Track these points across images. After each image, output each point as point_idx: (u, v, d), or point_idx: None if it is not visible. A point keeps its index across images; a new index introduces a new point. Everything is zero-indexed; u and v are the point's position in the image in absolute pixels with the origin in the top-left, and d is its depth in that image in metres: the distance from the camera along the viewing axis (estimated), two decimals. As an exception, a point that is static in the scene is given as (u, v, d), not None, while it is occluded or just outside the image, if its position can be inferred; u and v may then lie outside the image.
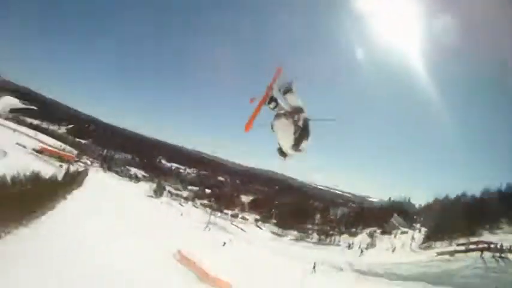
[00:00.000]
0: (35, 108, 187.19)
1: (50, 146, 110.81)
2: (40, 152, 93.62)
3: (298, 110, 7.48)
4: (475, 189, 74.98)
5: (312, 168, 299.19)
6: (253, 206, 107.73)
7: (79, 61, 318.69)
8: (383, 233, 66.64)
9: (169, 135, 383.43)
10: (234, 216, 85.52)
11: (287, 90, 7.13)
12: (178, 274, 30.87)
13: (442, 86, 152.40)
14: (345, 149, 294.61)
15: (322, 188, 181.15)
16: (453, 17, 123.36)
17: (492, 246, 41.51)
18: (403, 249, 50.42)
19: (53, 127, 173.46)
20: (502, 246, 40.26)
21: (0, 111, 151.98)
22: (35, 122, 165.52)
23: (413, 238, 53.22)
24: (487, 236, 50.22)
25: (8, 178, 31.25)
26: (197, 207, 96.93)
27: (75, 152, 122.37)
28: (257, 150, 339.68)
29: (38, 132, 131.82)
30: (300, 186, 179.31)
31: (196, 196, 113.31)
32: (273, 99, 7.27)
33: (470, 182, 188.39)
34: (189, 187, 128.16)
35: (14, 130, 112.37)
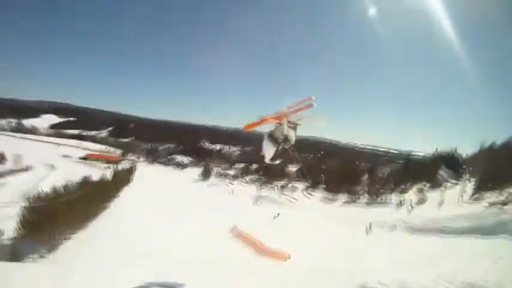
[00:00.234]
0: (74, 119, 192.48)
1: (94, 151, 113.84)
2: (86, 158, 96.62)
3: (286, 140, 8.90)
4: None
5: (354, 130, 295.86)
6: (301, 174, 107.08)
7: (102, 67, 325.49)
8: (432, 187, 65.05)
9: (208, 117, 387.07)
10: (283, 187, 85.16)
11: (294, 127, 8.24)
12: (236, 250, 31.53)
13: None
14: (386, 106, 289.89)
15: (366, 148, 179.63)
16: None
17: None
18: (453, 202, 49.38)
19: (94, 133, 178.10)
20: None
21: (41, 129, 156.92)
22: (76, 132, 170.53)
23: (463, 190, 51.93)
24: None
25: (60, 188, 32.68)
26: (246, 184, 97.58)
27: (119, 151, 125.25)
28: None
29: (80, 141, 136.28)
30: (344, 148, 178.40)
31: (244, 173, 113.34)
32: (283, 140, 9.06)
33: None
34: (235, 165, 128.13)
35: (58, 144, 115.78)
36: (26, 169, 64.98)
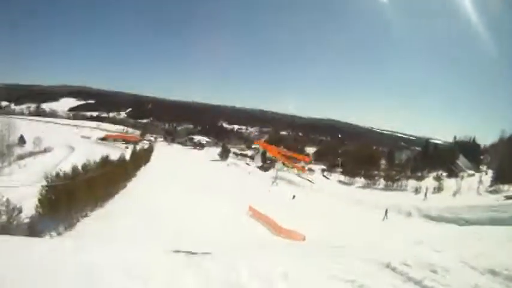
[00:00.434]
0: (92, 101, 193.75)
1: (113, 132, 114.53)
2: (105, 139, 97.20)
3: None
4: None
5: (373, 114, 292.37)
6: (319, 156, 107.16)
7: (121, 49, 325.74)
8: (449, 176, 64.47)
9: (226, 98, 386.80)
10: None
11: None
12: (253, 229, 31.62)
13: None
14: (405, 92, 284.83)
15: (384, 132, 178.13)
16: None
17: None
18: (470, 192, 48.67)
19: (113, 114, 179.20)
20: None
21: (60, 113, 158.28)
22: (95, 114, 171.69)
23: (480, 181, 51.09)
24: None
25: (79, 168, 32.89)
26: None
27: (138, 132, 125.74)
28: (316, 101, 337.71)
29: (99, 123, 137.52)
30: (362, 132, 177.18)
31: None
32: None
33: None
34: (253, 145, 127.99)
35: (77, 126, 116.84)
36: (46, 151, 66.16)
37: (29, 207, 25.16)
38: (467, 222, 32.35)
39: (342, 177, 74.14)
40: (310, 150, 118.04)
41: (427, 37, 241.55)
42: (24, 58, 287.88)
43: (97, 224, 27.36)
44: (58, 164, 46.58)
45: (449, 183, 54.73)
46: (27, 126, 78.50)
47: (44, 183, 28.44)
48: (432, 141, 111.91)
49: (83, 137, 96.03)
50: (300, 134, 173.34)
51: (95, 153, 43.92)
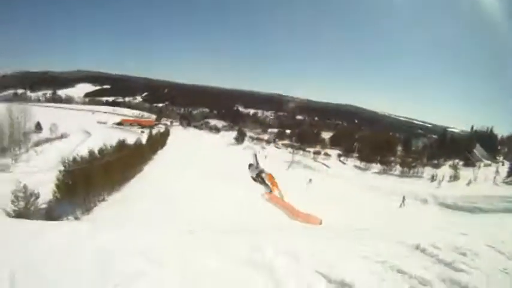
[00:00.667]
0: (108, 87, 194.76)
1: (129, 116, 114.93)
2: (121, 123, 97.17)
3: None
4: None
5: (390, 100, 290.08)
6: (335, 142, 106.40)
7: (135, 33, 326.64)
8: (466, 165, 63.79)
9: (242, 82, 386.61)
10: (317, 153, 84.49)
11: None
12: (269, 213, 31.52)
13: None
14: (423, 79, 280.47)
15: (401, 119, 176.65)
16: None
17: None
18: (486, 182, 48.05)
19: (129, 99, 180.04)
20: None
21: (76, 98, 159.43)
22: (111, 99, 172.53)
23: (497, 171, 50.39)
24: None
25: (95, 152, 33.03)
26: (279, 148, 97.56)
27: (153, 116, 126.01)
28: (332, 85, 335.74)
29: (115, 107, 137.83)
30: (379, 118, 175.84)
31: (277, 137, 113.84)
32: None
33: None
34: (269, 129, 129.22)
35: (92, 112, 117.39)
36: (62, 137, 66.40)
37: (46, 192, 25.24)
38: (483, 212, 32.05)
39: (358, 163, 73.69)
40: (326, 135, 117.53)
41: (447, 22, 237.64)
42: (35, 44, 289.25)
43: (114, 208, 27.45)
44: (74, 149, 46.77)
45: (466, 172, 54.18)
46: (43, 113, 78.91)
47: (61, 168, 28.67)
48: (449, 129, 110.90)
49: (99, 122, 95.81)
50: (316, 118, 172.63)
51: (111, 138, 44.01)
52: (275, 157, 76.04)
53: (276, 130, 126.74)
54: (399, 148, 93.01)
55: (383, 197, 43.28)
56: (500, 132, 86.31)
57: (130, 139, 45.97)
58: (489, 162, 65.98)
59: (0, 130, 49.57)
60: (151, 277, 5.63)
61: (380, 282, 5.37)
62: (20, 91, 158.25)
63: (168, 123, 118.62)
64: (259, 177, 20.48)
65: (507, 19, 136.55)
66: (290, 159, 70.39)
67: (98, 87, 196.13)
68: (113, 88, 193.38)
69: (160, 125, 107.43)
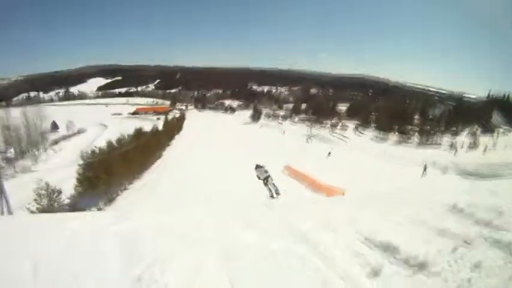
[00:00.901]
0: (120, 78, 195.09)
1: (143, 105, 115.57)
2: (136, 113, 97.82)
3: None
4: None
5: (404, 68, 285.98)
6: (351, 113, 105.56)
7: (140, 21, 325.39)
8: (484, 132, 62.69)
9: (253, 59, 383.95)
10: (334, 125, 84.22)
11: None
12: (291, 187, 31.32)
13: None
14: (436, 46, 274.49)
15: (416, 87, 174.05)
16: None
17: None
18: (506, 149, 47.06)
19: (141, 88, 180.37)
20: None
21: (89, 93, 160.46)
22: (123, 90, 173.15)
23: None
24: None
25: (113, 143, 33.07)
26: (296, 123, 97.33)
27: (167, 102, 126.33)
28: (344, 56, 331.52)
29: (129, 98, 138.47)
30: (394, 87, 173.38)
31: (293, 112, 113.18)
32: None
33: None
34: (284, 105, 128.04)
35: (107, 104, 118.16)
36: (79, 132, 67.15)
37: (68, 188, 25.34)
38: (507, 179, 31.45)
39: (376, 133, 73.06)
40: (342, 107, 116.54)
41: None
42: (40, 46, 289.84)
43: (137, 197, 27.46)
44: (92, 142, 46.93)
45: (484, 139, 53.27)
46: (58, 112, 79.53)
47: (81, 162, 28.81)
48: (466, 96, 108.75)
49: (114, 114, 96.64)
50: (331, 91, 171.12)
51: (128, 127, 44.18)
52: (293, 132, 75.76)
53: (291, 106, 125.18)
54: (416, 117, 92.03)
55: (404, 166, 42.64)
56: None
57: (147, 127, 46.12)
58: (508, 127, 64.81)
59: (17, 134, 50.12)
60: (186, 255, 5.45)
61: (424, 243, 5.09)
62: (32, 94, 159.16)
63: (183, 107, 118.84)
64: (266, 180, 20.70)
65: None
66: (308, 133, 69.93)
67: (109, 80, 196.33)
68: (125, 79, 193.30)
69: (175, 111, 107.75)
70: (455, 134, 64.45)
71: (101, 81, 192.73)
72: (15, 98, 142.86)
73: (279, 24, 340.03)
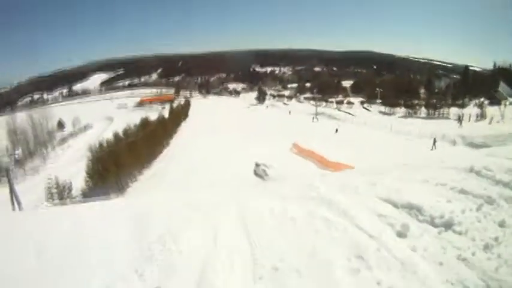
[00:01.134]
0: (122, 70, 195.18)
1: (147, 95, 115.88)
2: (141, 103, 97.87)
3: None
4: None
5: (407, 42, 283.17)
6: (356, 89, 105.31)
7: (138, 11, 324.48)
8: (491, 103, 61.85)
9: (253, 41, 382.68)
10: (339, 102, 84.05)
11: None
12: (299, 164, 31.29)
13: None
14: (439, 17, 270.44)
15: (420, 60, 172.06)
16: None
17: None
18: None
19: (144, 78, 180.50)
20: None
21: (92, 89, 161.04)
22: (127, 82, 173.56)
23: None
24: None
25: (120, 134, 33.14)
26: (302, 102, 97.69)
27: (172, 91, 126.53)
28: (347, 33, 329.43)
29: (132, 90, 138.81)
30: (398, 61, 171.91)
31: (298, 92, 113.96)
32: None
33: None
34: (289, 85, 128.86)
35: (111, 98, 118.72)
36: (86, 128, 67.45)
37: (79, 182, 25.64)
38: None
39: (382, 108, 72.61)
40: (347, 83, 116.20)
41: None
42: (40, 47, 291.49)
43: (147, 186, 27.60)
44: (99, 136, 47.09)
45: (492, 110, 52.74)
46: (63, 110, 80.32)
47: (89, 155, 28.95)
48: (471, 68, 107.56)
49: (119, 107, 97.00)
50: (335, 68, 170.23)
51: (134, 118, 44.36)
52: (299, 111, 75.58)
53: (295, 85, 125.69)
54: (422, 90, 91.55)
55: (412, 140, 42.13)
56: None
57: (153, 116, 46.28)
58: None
59: (24, 135, 50.46)
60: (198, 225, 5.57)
61: (447, 203, 5.01)
62: (36, 95, 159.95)
63: (188, 94, 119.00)
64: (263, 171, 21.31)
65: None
66: (314, 112, 69.62)
67: (111, 74, 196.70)
68: (127, 71, 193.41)
69: (180, 98, 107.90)
70: (462, 106, 63.84)
71: (103, 76, 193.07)
72: (19, 102, 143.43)
73: (280, 5, 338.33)
